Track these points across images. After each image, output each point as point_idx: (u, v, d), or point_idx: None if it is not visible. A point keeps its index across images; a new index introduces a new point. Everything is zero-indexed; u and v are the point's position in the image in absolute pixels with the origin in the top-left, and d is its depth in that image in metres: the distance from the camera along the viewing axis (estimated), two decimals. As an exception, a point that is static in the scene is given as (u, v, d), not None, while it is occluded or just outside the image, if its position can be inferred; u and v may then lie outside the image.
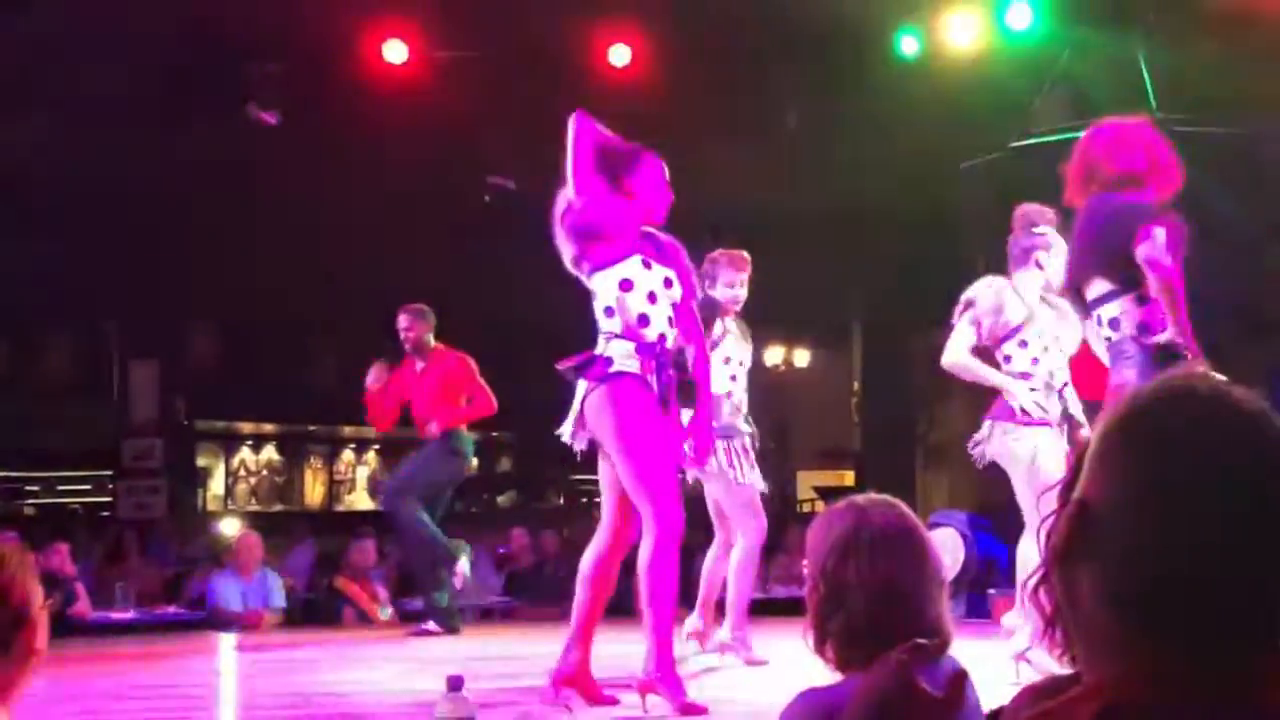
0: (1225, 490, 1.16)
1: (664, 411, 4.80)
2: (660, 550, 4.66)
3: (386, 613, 9.86)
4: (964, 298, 5.81)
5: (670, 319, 4.89)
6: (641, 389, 4.74)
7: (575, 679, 4.88)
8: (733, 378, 6.53)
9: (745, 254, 6.61)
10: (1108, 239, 4.71)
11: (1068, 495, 1.26)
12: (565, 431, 4.87)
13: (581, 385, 4.80)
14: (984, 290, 5.78)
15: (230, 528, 13.19)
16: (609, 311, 4.81)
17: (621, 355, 4.76)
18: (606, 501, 4.98)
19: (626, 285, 4.79)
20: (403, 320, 8.26)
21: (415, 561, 8.46)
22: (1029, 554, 5.77)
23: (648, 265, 4.85)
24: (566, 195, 4.88)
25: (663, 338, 4.85)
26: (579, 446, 4.88)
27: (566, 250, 4.89)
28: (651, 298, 4.82)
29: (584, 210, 4.80)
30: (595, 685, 4.89)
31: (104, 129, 9.84)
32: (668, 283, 4.89)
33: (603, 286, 4.82)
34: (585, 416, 4.77)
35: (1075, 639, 1.24)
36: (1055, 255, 5.70)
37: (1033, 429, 5.63)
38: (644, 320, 4.80)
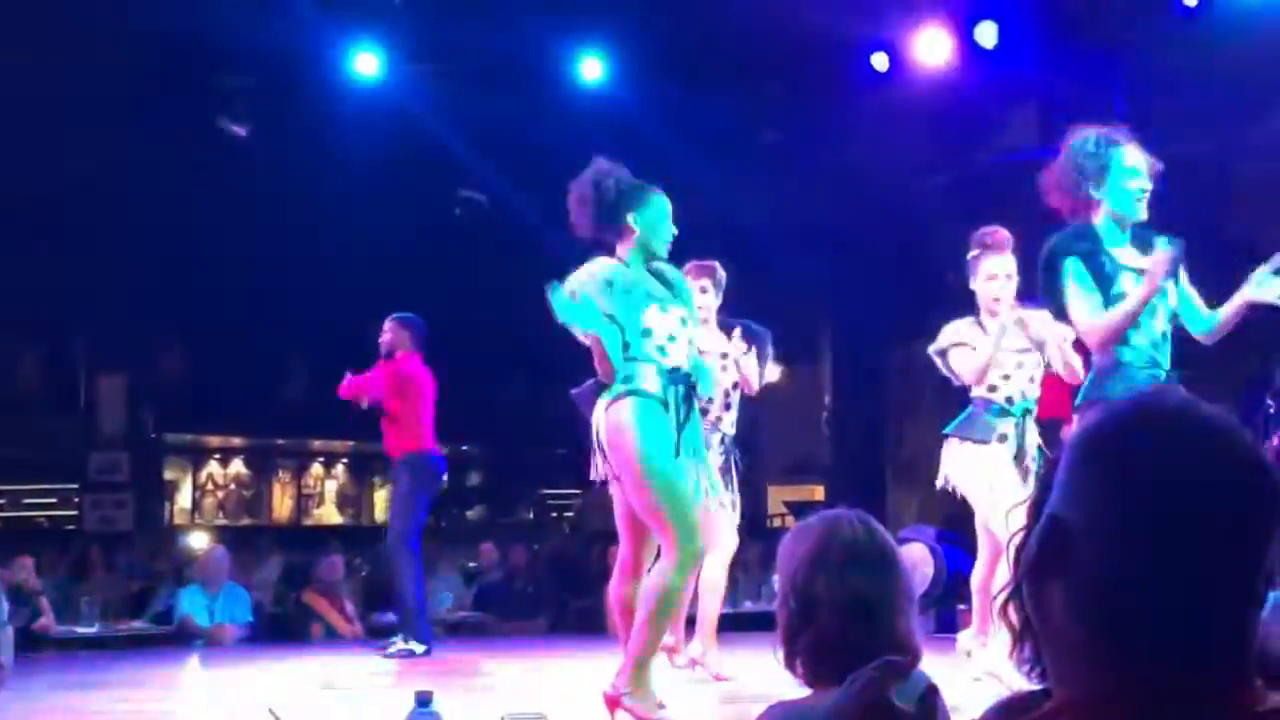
0: (1194, 506, 1.16)
1: (679, 440, 4.78)
2: (674, 576, 4.62)
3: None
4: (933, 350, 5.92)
5: (688, 356, 4.88)
6: (660, 411, 4.72)
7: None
8: (709, 398, 6.51)
9: (711, 263, 6.61)
10: (1047, 291, 4.79)
11: (1038, 511, 1.26)
12: (598, 470, 4.79)
13: (598, 411, 4.76)
14: (946, 334, 5.88)
15: (198, 541, 13.11)
16: (626, 346, 4.79)
17: (641, 374, 4.74)
18: (623, 535, 4.92)
19: (645, 334, 4.81)
20: (385, 325, 8.26)
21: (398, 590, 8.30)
22: (982, 579, 5.82)
23: (664, 309, 4.85)
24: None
25: (682, 367, 4.84)
26: (608, 479, 4.81)
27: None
28: (670, 338, 4.83)
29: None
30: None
31: (73, 139, 9.78)
32: (684, 320, 4.91)
33: (620, 335, 4.81)
34: (609, 440, 4.70)
35: (1045, 655, 1.24)
36: (980, 274, 5.83)
37: (982, 447, 5.66)
38: (661, 351, 4.80)
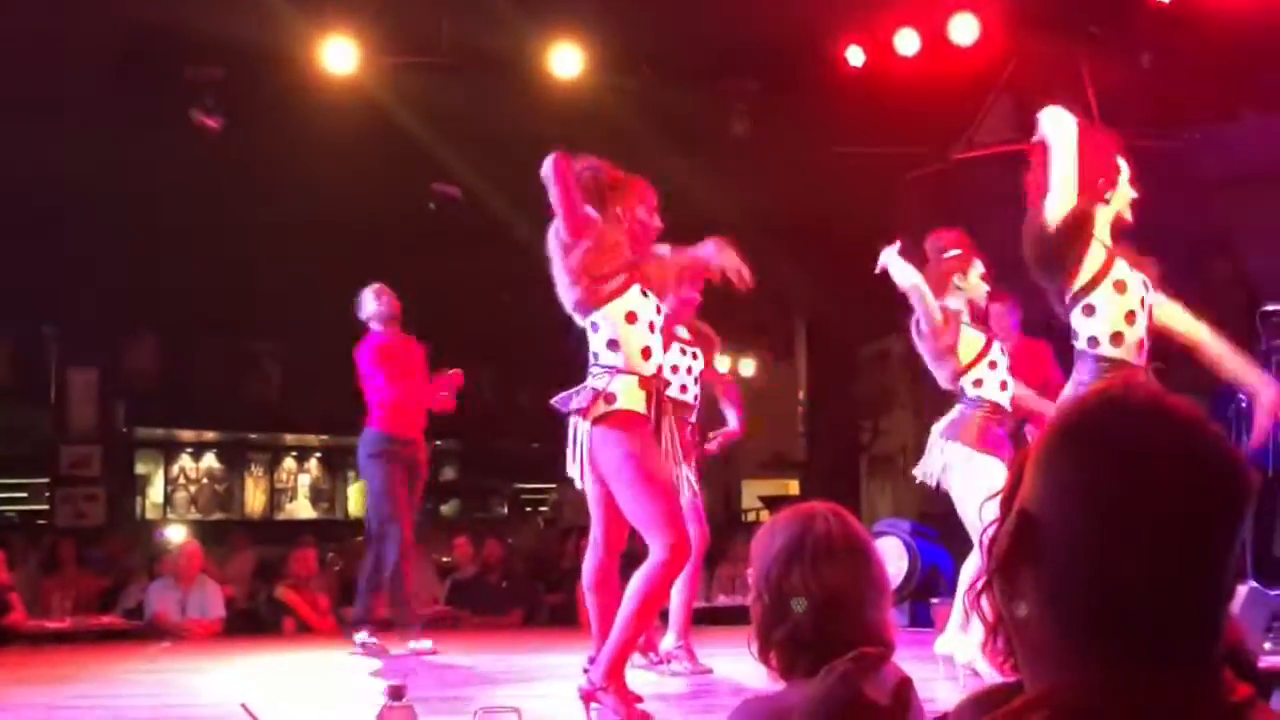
0: (1161, 500, 1.17)
1: (658, 437, 4.84)
2: (662, 572, 4.69)
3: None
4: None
5: (661, 347, 4.95)
6: (644, 424, 4.77)
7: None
8: (683, 388, 6.54)
9: None
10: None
11: (1009, 504, 1.26)
12: (575, 473, 4.84)
13: (583, 424, 4.78)
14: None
15: (172, 536, 13.05)
16: (612, 344, 4.80)
17: (625, 391, 4.77)
18: (596, 518, 4.99)
19: (631, 317, 4.82)
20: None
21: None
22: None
23: (645, 294, 4.89)
24: (561, 237, 4.81)
25: (660, 368, 4.92)
26: (586, 487, 4.87)
27: (569, 294, 4.83)
28: (650, 328, 4.87)
29: (588, 252, 4.77)
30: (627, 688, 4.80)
31: (45, 132, 9.71)
32: (658, 309, 4.95)
33: (607, 321, 4.81)
34: (593, 455, 4.75)
35: (1017, 648, 1.24)
36: (973, 274, 5.81)
37: (990, 458, 5.61)
38: (646, 353, 4.84)
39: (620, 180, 4.97)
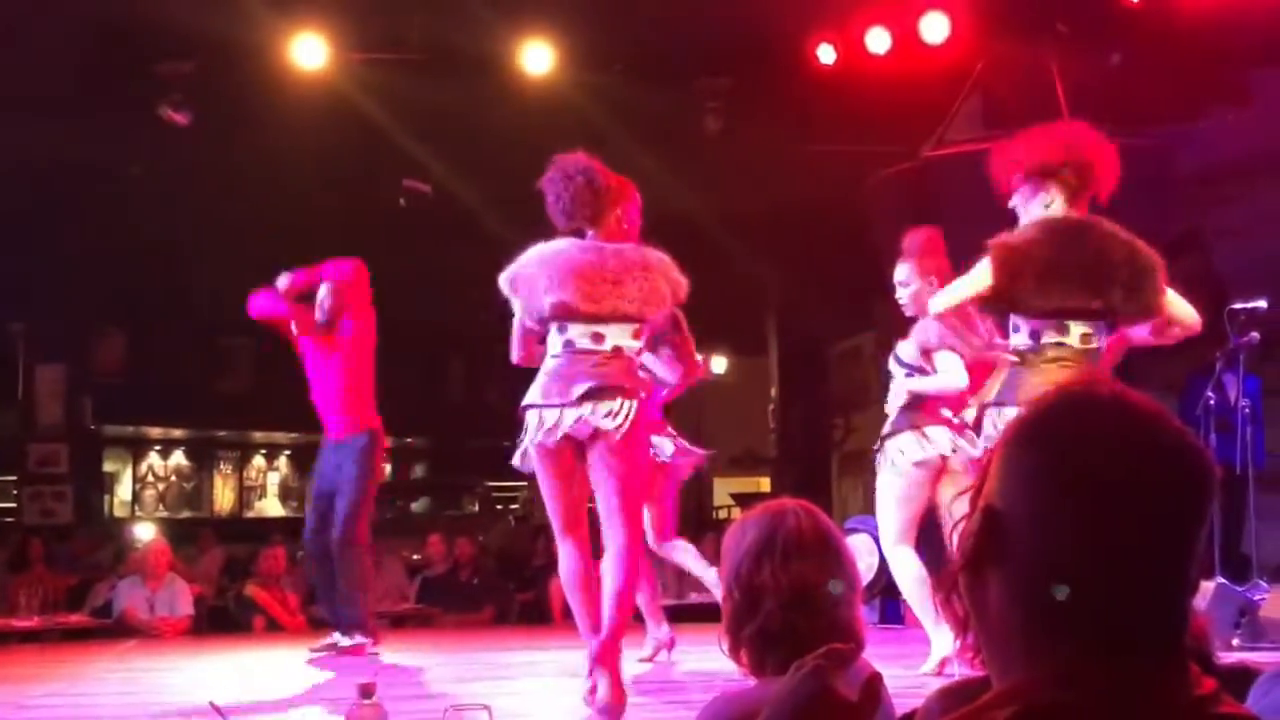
0: (1124, 494, 1.17)
1: None
2: (632, 559, 4.76)
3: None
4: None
5: None
6: (652, 406, 4.96)
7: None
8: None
9: None
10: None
11: (977, 501, 1.26)
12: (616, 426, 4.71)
13: (633, 403, 4.74)
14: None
15: (140, 534, 13.00)
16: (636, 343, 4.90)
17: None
18: (576, 520, 4.92)
19: None
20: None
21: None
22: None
23: None
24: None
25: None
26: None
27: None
28: None
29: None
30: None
31: (11, 128, 9.64)
32: None
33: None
34: (636, 433, 4.74)
35: (983, 645, 1.25)
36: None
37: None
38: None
39: (618, 184, 4.98)
